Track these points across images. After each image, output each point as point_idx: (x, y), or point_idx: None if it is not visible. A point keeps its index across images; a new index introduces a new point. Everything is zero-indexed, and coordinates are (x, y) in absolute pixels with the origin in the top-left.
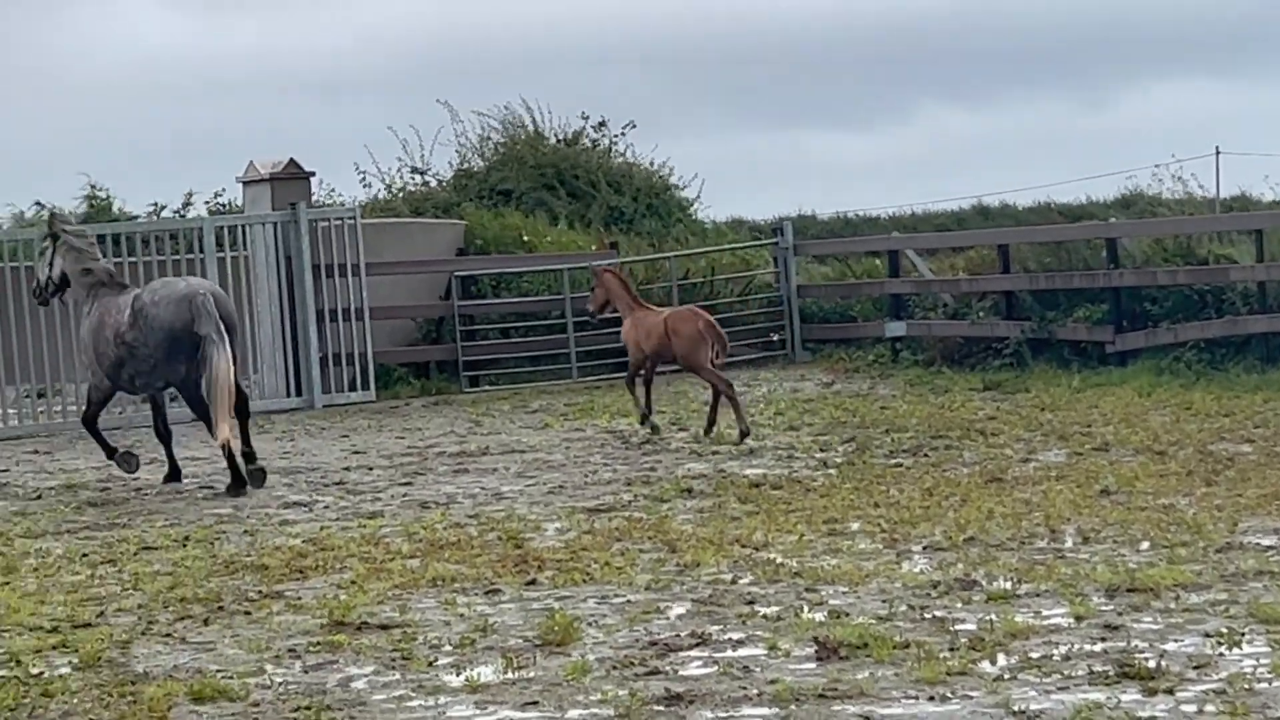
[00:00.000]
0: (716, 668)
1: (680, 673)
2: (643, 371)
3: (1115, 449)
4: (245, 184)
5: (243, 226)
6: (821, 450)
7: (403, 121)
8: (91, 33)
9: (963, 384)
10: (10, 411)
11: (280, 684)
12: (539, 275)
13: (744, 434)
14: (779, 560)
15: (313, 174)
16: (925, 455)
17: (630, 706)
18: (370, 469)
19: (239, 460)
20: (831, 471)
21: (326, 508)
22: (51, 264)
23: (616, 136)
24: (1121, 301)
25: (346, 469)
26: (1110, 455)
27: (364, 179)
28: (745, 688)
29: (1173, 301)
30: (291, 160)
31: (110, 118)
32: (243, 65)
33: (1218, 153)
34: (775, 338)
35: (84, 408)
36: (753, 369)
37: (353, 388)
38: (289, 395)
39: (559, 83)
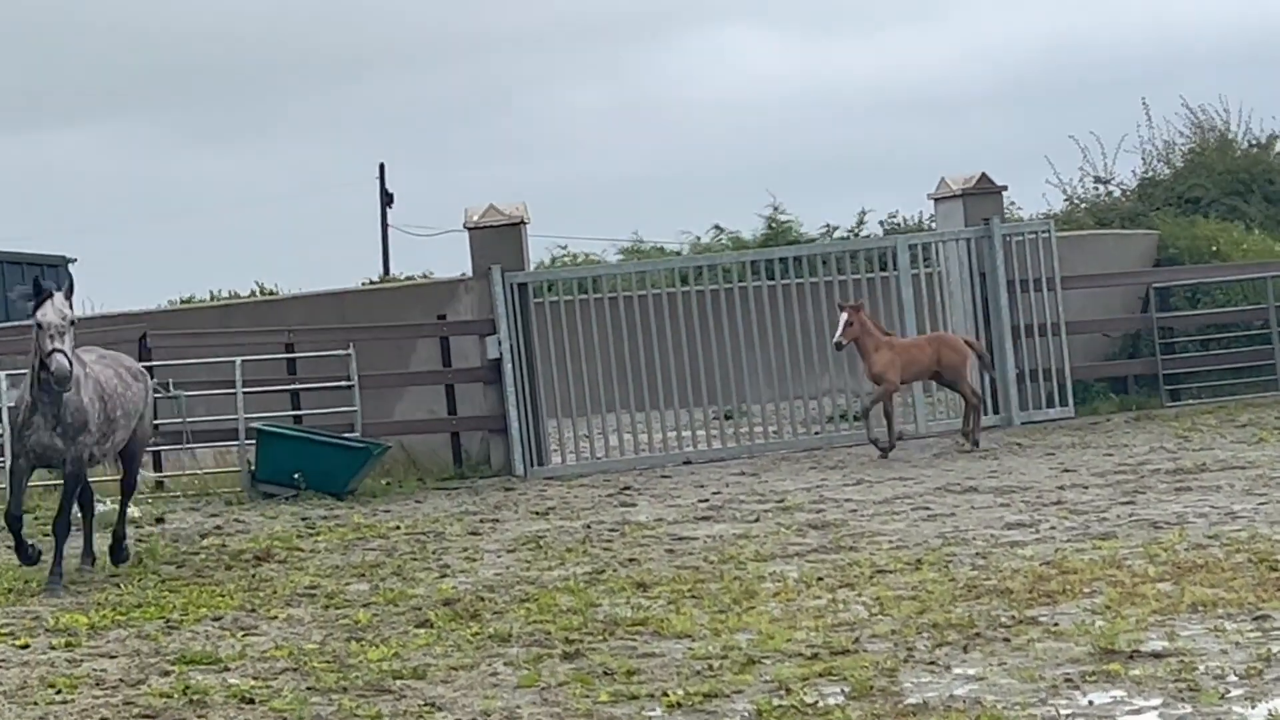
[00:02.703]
0: None
1: None
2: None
3: None
4: (937, 200)
5: (936, 244)
6: None
7: (1084, 129)
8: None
9: None
10: (712, 434)
11: (1067, 716)
12: (1238, 285)
13: (976, 443)
14: None
15: (1004, 188)
16: None
17: None
18: (1085, 488)
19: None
20: None
21: (1053, 528)
22: None
23: None
24: None
25: (1061, 488)
26: None
27: (1045, 193)
28: None
29: None
30: (984, 175)
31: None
32: (859, 85)
33: None
34: None
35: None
36: None
37: (1050, 404)
38: (986, 413)
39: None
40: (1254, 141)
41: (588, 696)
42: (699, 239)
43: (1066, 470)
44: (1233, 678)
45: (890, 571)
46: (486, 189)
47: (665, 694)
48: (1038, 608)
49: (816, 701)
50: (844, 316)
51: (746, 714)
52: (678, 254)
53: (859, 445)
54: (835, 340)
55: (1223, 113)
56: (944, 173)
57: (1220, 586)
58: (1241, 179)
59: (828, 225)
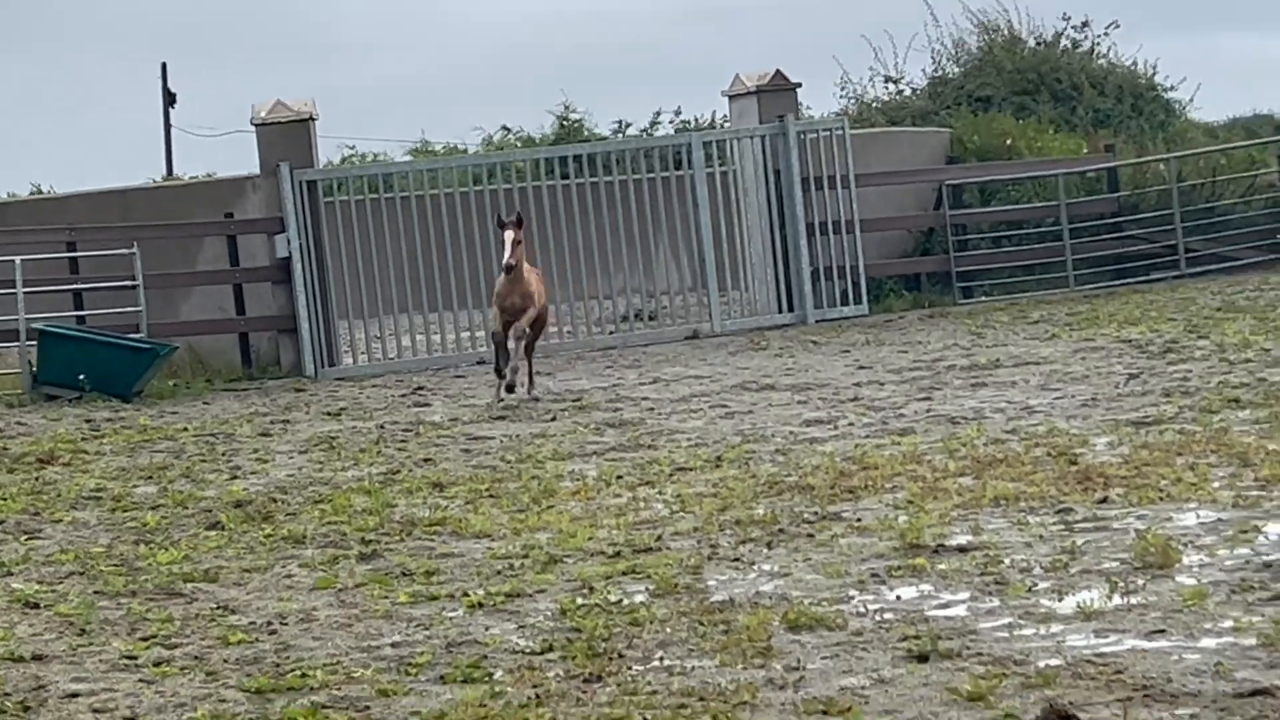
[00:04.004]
0: None
1: None
2: None
3: None
4: (731, 98)
5: (731, 141)
6: None
7: (875, 28)
8: None
9: None
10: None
11: (875, 610)
12: (1029, 182)
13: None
14: None
15: (799, 85)
16: None
17: (1274, 635)
18: (882, 384)
19: None
20: None
21: (851, 425)
22: None
23: (1099, 37)
24: None
25: (857, 385)
26: None
27: (840, 89)
28: None
29: None
30: (778, 72)
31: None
32: None
33: None
34: None
35: None
36: (1261, 272)
37: (844, 301)
38: (781, 311)
39: None
40: (1041, 40)
41: (386, 598)
42: (491, 137)
43: (862, 367)
44: (1039, 571)
45: (690, 469)
46: (273, 94)
47: (466, 594)
48: (840, 503)
49: (621, 600)
50: (510, 235)
51: (550, 613)
52: (469, 153)
53: (653, 345)
54: (506, 262)
55: (1003, 12)
56: (738, 70)
57: (1021, 480)
58: (1030, 78)
59: (620, 123)
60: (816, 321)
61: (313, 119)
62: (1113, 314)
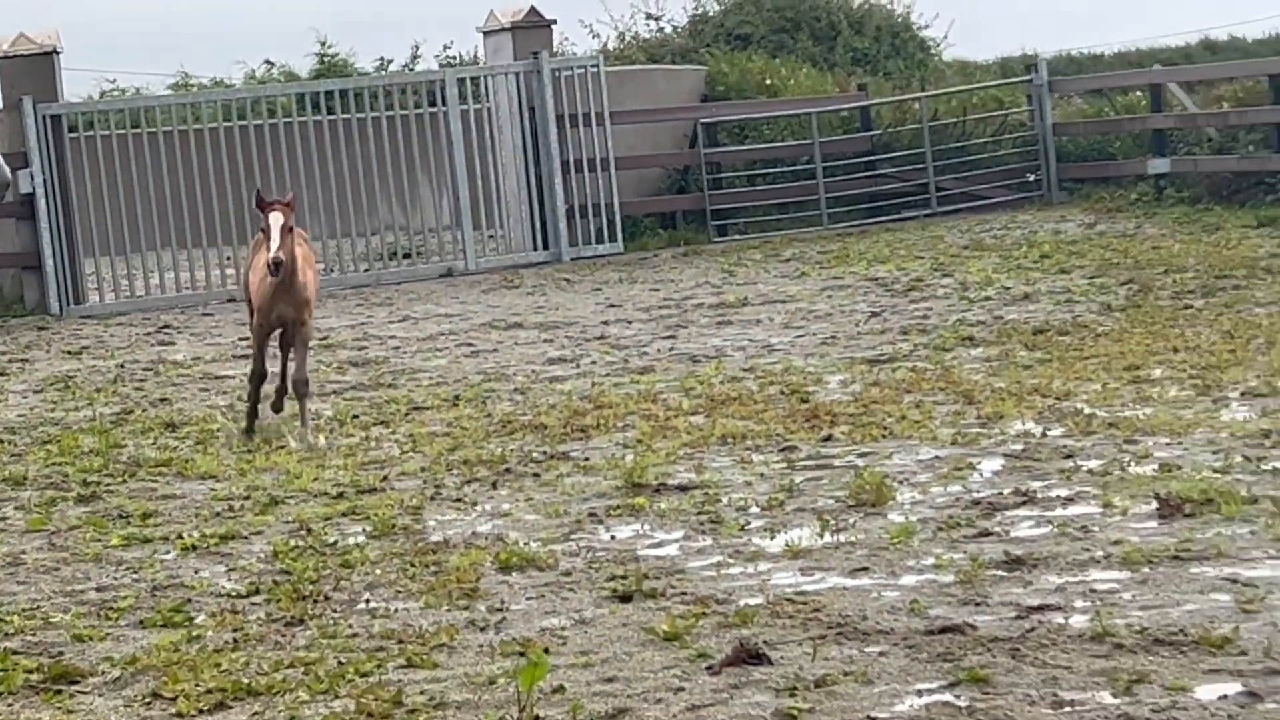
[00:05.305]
0: (1051, 528)
1: (1013, 534)
2: None
3: None
4: (485, 34)
5: (485, 77)
6: (1101, 293)
7: None
8: None
9: (1235, 221)
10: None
11: (587, 550)
12: (785, 120)
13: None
14: (1087, 410)
15: (554, 22)
16: (1214, 296)
17: (970, 572)
18: (629, 323)
19: None
20: (1118, 315)
21: (593, 363)
22: None
23: None
24: None
25: (605, 323)
26: None
27: (591, 29)
28: (1088, 549)
29: None
30: (533, 8)
31: None
32: None
33: None
34: (1031, 178)
35: None
36: (1009, 211)
37: (600, 240)
38: (536, 249)
39: None
40: None
41: (99, 540)
42: (254, 72)
43: (612, 305)
44: (755, 509)
45: (427, 408)
46: (21, 25)
47: (180, 536)
48: (570, 443)
49: (336, 541)
50: (276, 219)
51: (263, 555)
52: (229, 86)
53: (407, 282)
54: (273, 257)
55: None
56: (493, 5)
57: (751, 419)
58: (789, 16)
59: (382, 59)
60: (572, 260)
61: (57, 52)
62: (863, 252)
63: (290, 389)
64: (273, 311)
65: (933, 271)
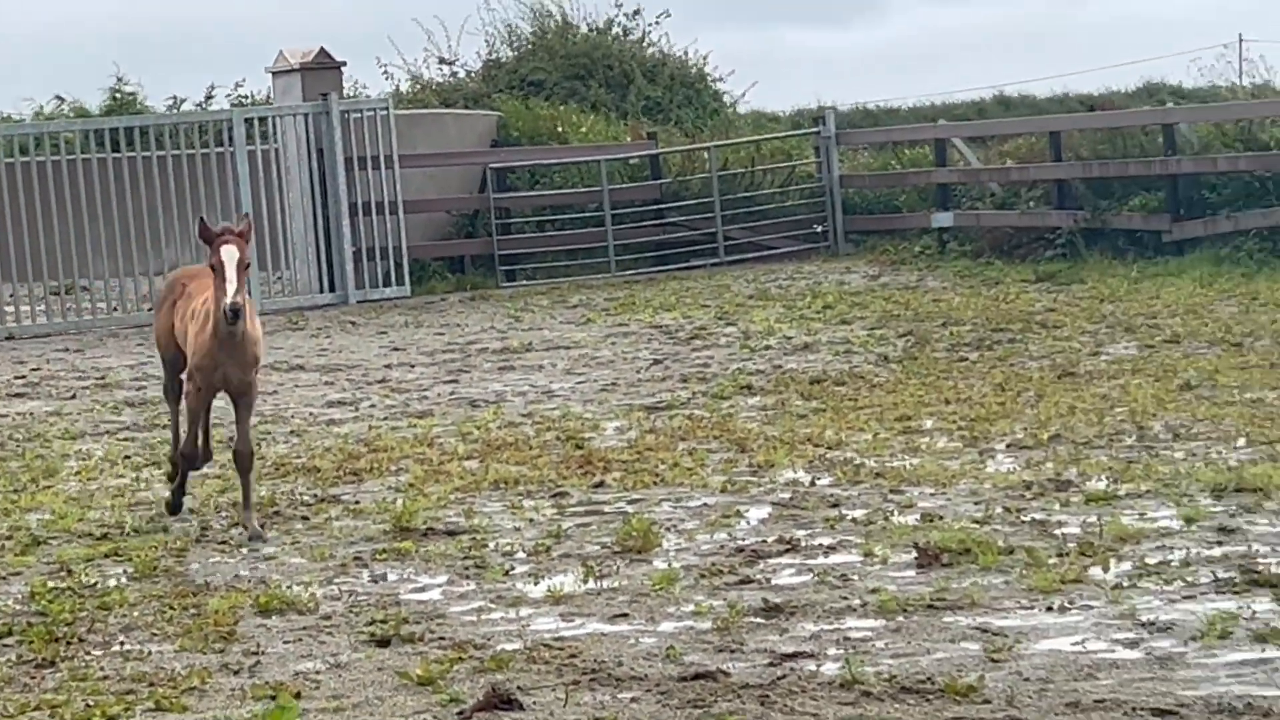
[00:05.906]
0: (812, 576)
1: (774, 581)
2: None
3: (1187, 341)
4: (275, 75)
5: (273, 118)
6: (879, 344)
7: (427, 12)
8: None
9: (1014, 275)
10: (38, 310)
11: (349, 594)
12: (575, 167)
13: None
14: (857, 460)
15: (344, 64)
16: (989, 349)
17: (728, 619)
18: (412, 366)
19: None
20: (894, 366)
21: (373, 406)
22: None
23: (651, 25)
24: (1179, 189)
25: (388, 366)
26: (1183, 348)
27: (385, 71)
28: (846, 598)
29: (1232, 189)
30: (322, 50)
31: (124, 8)
32: None
33: (1241, 40)
34: (818, 229)
35: None
36: (795, 261)
37: (387, 283)
38: (322, 291)
39: None
40: (594, 27)
41: None
42: (42, 108)
43: (396, 349)
44: (521, 555)
45: None
46: None
47: None
48: (342, 486)
49: (97, 583)
50: (231, 253)
51: (20, 596)
52: (17, 122)
53: None
54: (230, 302)
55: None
56: (282, 46)
57: (525, 464)
58: (582, 63)
59: (174, 98)
60: (358, 302)
61: None
62: (649, 300)
63: (233, 461)
64: (216, 371)
65: (717, 320)
